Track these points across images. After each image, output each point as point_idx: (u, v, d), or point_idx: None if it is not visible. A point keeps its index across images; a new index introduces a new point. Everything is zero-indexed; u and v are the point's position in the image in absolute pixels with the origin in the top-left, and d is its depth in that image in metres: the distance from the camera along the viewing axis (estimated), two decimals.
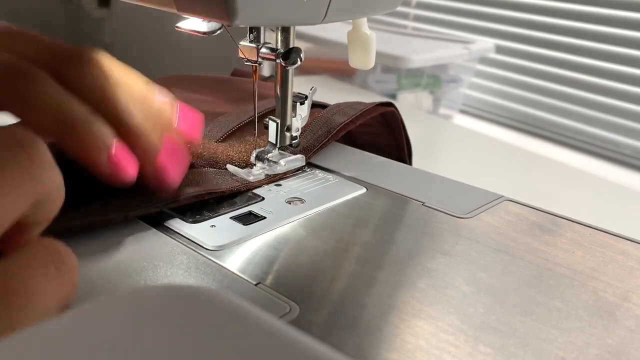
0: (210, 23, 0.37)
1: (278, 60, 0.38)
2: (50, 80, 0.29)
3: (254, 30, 0.38)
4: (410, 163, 0.53)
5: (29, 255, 0.22)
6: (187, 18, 0.37)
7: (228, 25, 0.32)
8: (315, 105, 0.50)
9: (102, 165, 0.29)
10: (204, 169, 0.38)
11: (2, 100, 0.29)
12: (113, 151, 0.29)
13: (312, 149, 0.43)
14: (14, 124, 0.21)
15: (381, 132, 0.52)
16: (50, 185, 0.22)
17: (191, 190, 0.35)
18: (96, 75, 0.31)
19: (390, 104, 0.49)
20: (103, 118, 0.30)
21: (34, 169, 0.21)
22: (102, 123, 0.30)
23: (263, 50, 0.38)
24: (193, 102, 0.37)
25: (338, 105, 0.48)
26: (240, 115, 0.45)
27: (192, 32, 0.37)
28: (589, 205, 0.66)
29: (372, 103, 0.48)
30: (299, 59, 0.38)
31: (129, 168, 0.30)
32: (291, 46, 0.38)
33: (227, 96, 0.52)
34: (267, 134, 0.41)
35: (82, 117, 0.29)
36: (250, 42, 0.38)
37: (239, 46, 0.38)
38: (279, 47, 0.38)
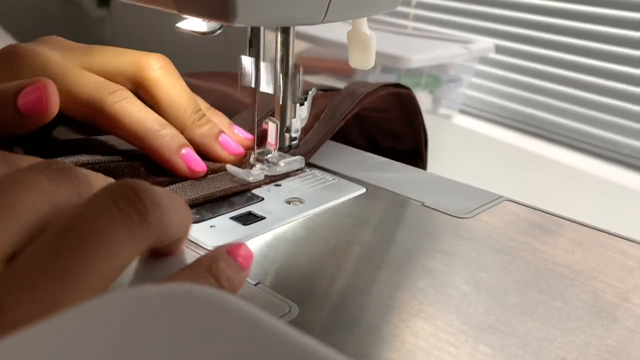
0: (210, 23, 0.37)
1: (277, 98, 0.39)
2: (132, 99, 0.37)
3: (253, 45, 0.38)
4: (426, 151, 0.53)
5: (95, 195, 0.21)
6: (187, 18, 0.37)
7: (228, 25, 0.32)
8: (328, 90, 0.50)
9: (179, 166, 0.37)
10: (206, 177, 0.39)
11: (93, 115, 0.37)
12: (183, 154, 0.38)
13: (316, 144, 0.43)
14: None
15: (398, 119, 0.52)
16: (165, 222, 0.22)
17: (192, 196, 0.36)
18: (169, 94, 0.39)
19: (405, 87, 0.49)
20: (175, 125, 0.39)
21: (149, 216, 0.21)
22: (172, 130, 0.38)
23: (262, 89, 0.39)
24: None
25: (347, 88, 0.47)
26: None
27: (192, 32, 0.37)
28: (588, 205, 0.66)
29: (380, 83, 0.48)
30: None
31: (200, 166, 0.38)
32: (291, 49, 0.39)
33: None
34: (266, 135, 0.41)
35: (152, 128, 0.37)
36: (250, 56, 0.38)
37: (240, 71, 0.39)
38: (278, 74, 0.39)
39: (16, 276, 0.18)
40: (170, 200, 0.23)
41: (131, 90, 0.39)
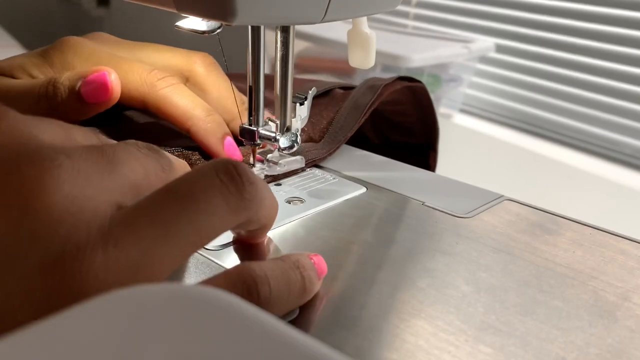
0: (210, 22, 0.37)
1: (276, 144, 0.39)
2: (181, 85, 0.40)
3: (253, 44, 0.38)
4: (437, 144, 0.54)
5: (199, 167, 0.23)
6: (187, 17, 0.37)
7: (227, 24, 0.32)
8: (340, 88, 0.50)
9: (220, 151, 0.40)
10: None
11: (144, 99, 0.40)
12: (225, 141, 0.40)
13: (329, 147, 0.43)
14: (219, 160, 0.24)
15: (409, 112, 0.52)
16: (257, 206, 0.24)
17: None
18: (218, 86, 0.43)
19: (418, 81, 0.51)
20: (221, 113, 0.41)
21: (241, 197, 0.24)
22: (218, 117, 0.41)
23: (262, 132, 0.39)
24: None
25: (359, 88, 0.48)
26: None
27: (191, 31, 0.37)
28: (589, 205, 0.66)
29: (395, 76, 0.48)
30: (295, 144, 0.39)
31: (237, 156, 0.41)
32: (287, 117, 0.39)
33: None
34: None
35: (200, 113, 0.40)
36: (250, 125, 0.39)
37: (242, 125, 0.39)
38: (276, 134, 0.39)
39: (123, 219, 0.20)
40: (264, 186, 0.25)
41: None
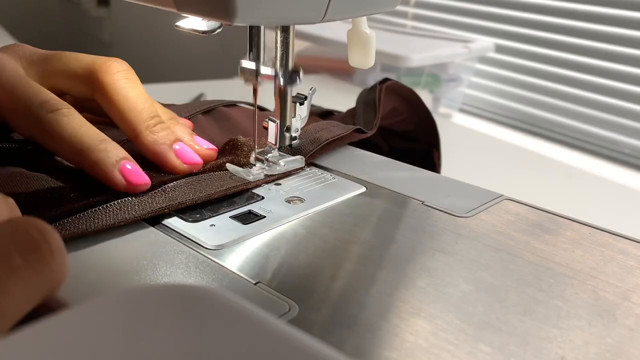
0: (210, 22, 0.37)
1: (278, 81, 0.38)
2: (73, 115, 0.36)
3: (254, 48, 0.38)
4: (439, 142, 0.54)
5: None
6: (187, 17, 0.37)
7: (228, 24, 0.32)
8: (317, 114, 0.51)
9: (116, 180, 0.35)
10: (203, 175, 0.39)
11: (31, 131, 0.36)
12: (121, 167, 0.35)
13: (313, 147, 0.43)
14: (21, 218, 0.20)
15: (408, 119, 0.53)
16: (64, 274, 0.20)
17: (192, 196, 0.35)
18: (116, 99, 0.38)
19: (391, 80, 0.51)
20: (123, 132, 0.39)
21: (54, 262, 0.19)
22: (111, 145, 0.36)
23: (262, 71, 0.38)
24: None
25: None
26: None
27: (191, 31, 0.37)
28: (588, 205, 0.66)
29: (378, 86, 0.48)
30: (297, 79, 0.38)
31: (140, 179, 0.35)
32: (290, 48, 0.38)
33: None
34: (266, 134, 0.41)
35: (90, 142, 0.35)
36: (250, 59, 0.38)
37: (240, 67, 0.38)
38: (278, 69, 0.38)
39: None
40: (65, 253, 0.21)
41: (88, 95, 0.39)
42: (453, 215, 0.36)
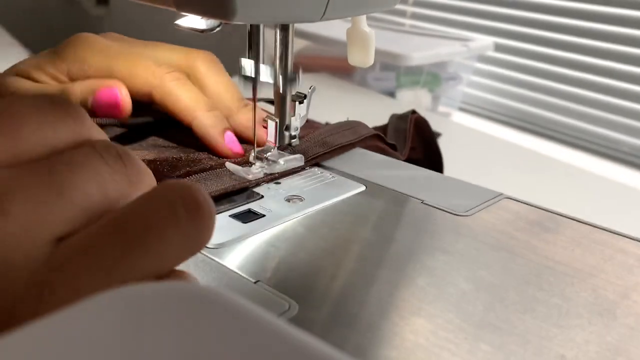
0: (209, 20, 0.37)
1: (276, 86, 0.39)
2: (186, 79, 0.42)
3: (254, 46, 0.38)
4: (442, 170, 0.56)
5: (154, 193, 0.20)
6: (186, 15, 0.37)
7: (227, 23, 0.32)
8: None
9: (220, 143, 0.41)
10: (203, 173, 0.39)
11: (151, 91, 0.41)
12: (227, 137, 0.41)
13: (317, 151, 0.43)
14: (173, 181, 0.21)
15: (418, 146, 0.55)
16: (211, 236, 0.21)
17: None
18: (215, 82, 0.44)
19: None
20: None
21: (210, 221, 0.20)
22: (220, 114, 0.42)
23: (262, 78, 0.39)
24: None
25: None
26: None
27: (191, 30, 0.37)
28: (588, 203, 0.66)
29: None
30: (296, 82, 0.39)
31: (239, 148, 0.42)
32: (290, 47, 0.38)
33: None
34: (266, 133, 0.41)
35: (203, 107, 0.41)
36: (249, 57, 0.38)
37: (241, 69, 0.39)
38: (277, 73, 0.38)
39: (62, 261, 0.18)
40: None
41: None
42: (453, 214, 0.36)
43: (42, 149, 0.20)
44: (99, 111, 0.40)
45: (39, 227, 0.18)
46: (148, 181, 0.22)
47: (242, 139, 0.43)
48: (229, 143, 0.41)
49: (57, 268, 0.18)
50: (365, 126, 0.48)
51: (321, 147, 0.43)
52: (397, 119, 0.56)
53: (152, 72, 0.41)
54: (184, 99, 0.41)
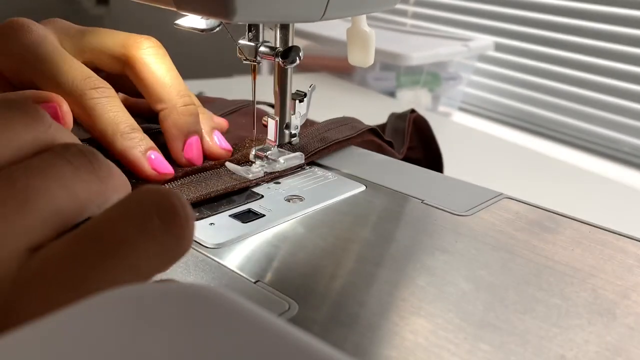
0: (209, 20, 0.37)
1: (277, 59, 0.38)
2: (112, 98, 0.37)
3: (253, 29, 0.38)
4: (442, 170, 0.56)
5: (127, 201, 0.19)
6: (186, 15, 0.37)
7: (227, 23, 0.32)
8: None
9: (143, 166, 0.37)
10: (203, 173, 0.39)
11: (72, 106, 0.36)
12: (148, 157, 0.37)
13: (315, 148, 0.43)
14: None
15: (415, 145, 0.55)
16: (191, 243, 0.20)
17: (191, 196, 0.35)
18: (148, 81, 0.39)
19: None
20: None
21: (187, 229, 0.19)
22: (141, 134, 0.37)
23: (262, 49, 0.38)
24: None
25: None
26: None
27: (191, 30, 0.37)
28: (588, 203, 0.66)
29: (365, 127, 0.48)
30: (297, 58, 0.38)
31: (166, 169, 0.37)
32: (290, 44, 0.38)
33: None
34: (266, 131, 0.41)
35: (123, 129, 0.37)
36: (249, 40, 0.38)
37: (238, 45, 0.38)
38: (277, 46, 0.38)
39: (30, 276, 0.18)
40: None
41: (120, 71, 0.40)
42: (453, 213, 0.36)
43: (5, 153, 0.19)
44: None
45: (5, 239, 0.18)
46: (117, 176, 0.22)
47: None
48: (155, 165, 0.37)
49: (25, 283, 0.17)
50: (361, 122, 0.48)
51: (319, 143, 0.43)
52: (396, 118, 0.56)
53: (76, 85, 0.37)
54: (103, 120, 0.37)
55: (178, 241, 0.19)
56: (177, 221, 0.19)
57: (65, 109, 0.35)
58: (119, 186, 0.21)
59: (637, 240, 0.34)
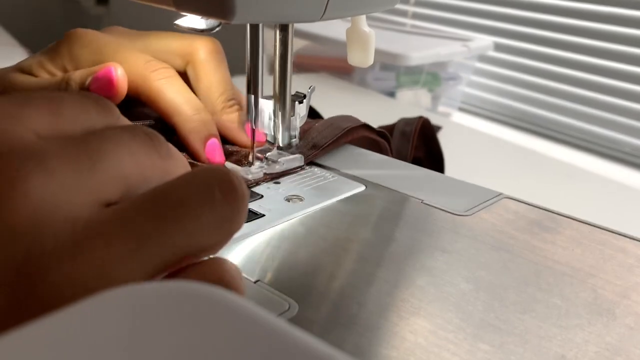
0: (209, 20, 0.37)
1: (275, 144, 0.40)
2: (174, 78, 0.40)
3: (252, 42, 0.38)
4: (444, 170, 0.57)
5: (192, 174, 0.21)
6: (186, 15, 0.37)
7: (226, 23, 0.32)
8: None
9: (199, 151, 0.40)
10: None
11: (137, 90, 0.40)
12: (208, 142, 0.40)
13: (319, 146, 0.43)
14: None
15: (419, 145, 0.56)
16: (245, 218, 0.22)
17: None
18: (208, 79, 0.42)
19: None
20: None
21: (244, 204, 0.21)
22: (206, 116, 0.40)
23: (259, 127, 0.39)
24: None
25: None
26: None
27: (190, 30, 0.37)
28: (588, 203, 0.66)
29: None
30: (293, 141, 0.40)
31: (217, 157, 0.40)
32: (290, 45, 0.38)
33: None
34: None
35: (186, 110, 0.40)
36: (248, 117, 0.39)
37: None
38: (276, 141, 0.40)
39: (97, 226, 0.19)
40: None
41: (181, 68, 0.43)
42: (452, 213, 0.36)
43: (79, 128, 0.21)
44: (97, 92, 0.39)
45: (78, 190, 0.19)
46: (177, 156, 0.23)
47: (226, 140, 0.42)
48: (209, 152, 0.40)
49: (94, 228, 0.19)
50: (353, 118, 0.48)
51: (316, 147, 0.43)
52: (404, 123, 0.57)
53: (138, 70, 0.40)
54: (167, 100, 0.40)
55: (234, 215, 0.20)
56: (235, 195, 0.20)
57: (120, 72, 0.39)
58: (179, 166, 0.23)
59: (637, 240, 0.34)
